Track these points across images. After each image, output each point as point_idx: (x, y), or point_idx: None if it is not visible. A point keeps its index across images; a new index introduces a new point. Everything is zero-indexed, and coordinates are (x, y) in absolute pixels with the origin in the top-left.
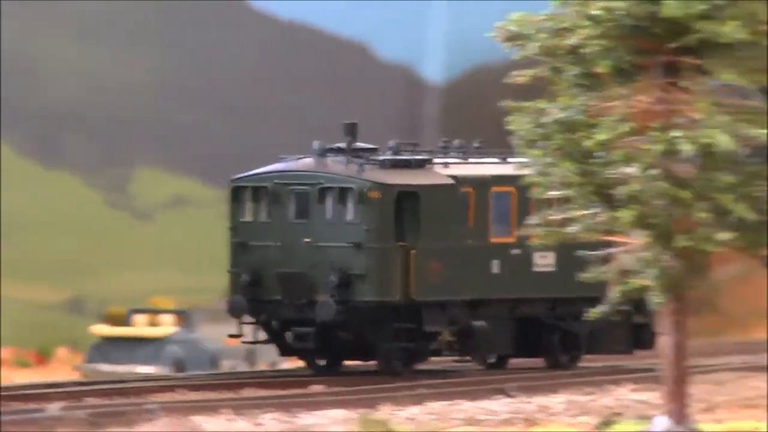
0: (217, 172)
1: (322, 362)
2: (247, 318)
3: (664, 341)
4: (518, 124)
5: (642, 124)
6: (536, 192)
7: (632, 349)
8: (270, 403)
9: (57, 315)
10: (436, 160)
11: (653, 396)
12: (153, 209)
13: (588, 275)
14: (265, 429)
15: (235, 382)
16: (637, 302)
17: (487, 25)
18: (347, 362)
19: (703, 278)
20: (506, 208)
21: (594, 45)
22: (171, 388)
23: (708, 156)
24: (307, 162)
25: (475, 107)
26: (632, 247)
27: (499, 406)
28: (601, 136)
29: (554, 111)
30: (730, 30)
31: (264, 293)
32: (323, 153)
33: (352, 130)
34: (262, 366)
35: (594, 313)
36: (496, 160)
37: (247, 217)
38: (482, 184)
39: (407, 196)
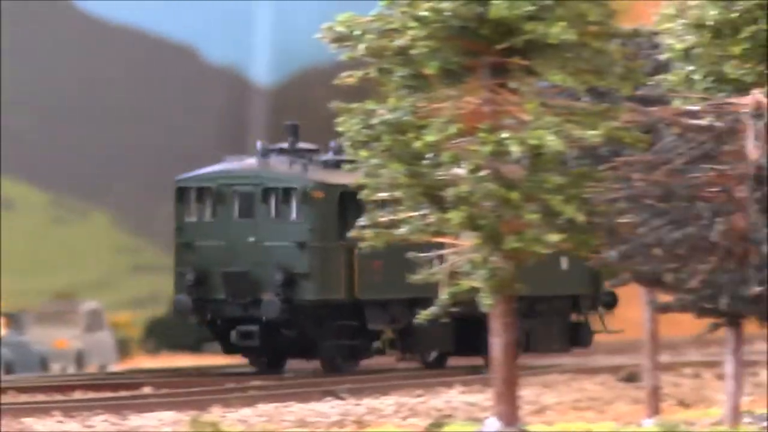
0: (44, 176)
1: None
2: (192, 317)
3: (493, 343)
4: (347, 125)
5: (470, 126)
6: (365, 194)
7: (569, 347)
8: (100, 405)
9: None
10: None
11: (483, 398)
12: None
13: (417, 277)
14: (95, 431)
15: (65, 384)
16: (574, 301)
17: (313, 27)
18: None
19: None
20: None
21: (422, 46)
22: (1, 391)
23: (537, 157)
24: (251, 162)
25: (303, 109)
26: (462, 248)
27: (329, 408)
28: (430, 137)
29: (383, 112)
30: (558, 31)
31: (209, 292)
32: (266, 153)
33: (293, 131)
34: (91, 368)
35: (424, 315)
36: None
37: (192, 218)
38: None
39: (350, 196)
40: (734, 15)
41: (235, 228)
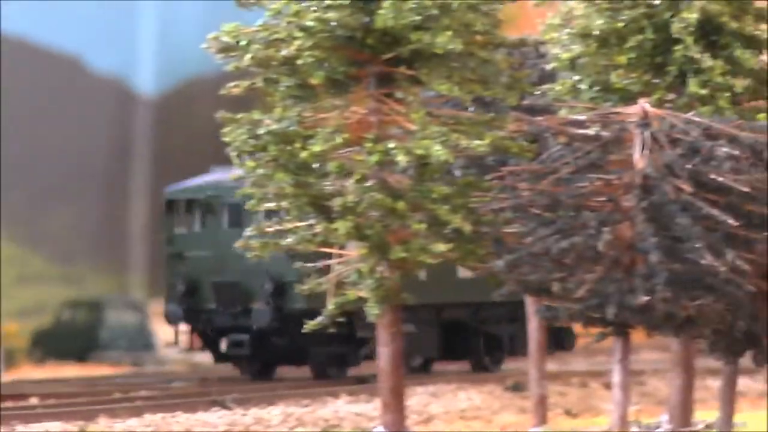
0: None
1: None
2: (183, 326)
3: (380, 352)
4: (233, 135)
5: (357, 135)
6: (251, 204)
7: (553, 350)
8: None
9: None
10: None
11: (370, 407)
12: None
13: (305, 287)
14: None
15: None
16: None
17: (198, 37)
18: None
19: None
20: None
21: (308, 56)
22: None
23: (423, 167)
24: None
25: (189, 119)
26: (349, 258)
27: (216, 418)
28: (316, 147)
29: (269, 122)
30: (444, 41)
31: (199, 302)
32: None
33: None
34: None
35: (312, 324)
36: None
37: (182, 229)
38: None
39: None
40: (620, 25)
41: (225, 238)
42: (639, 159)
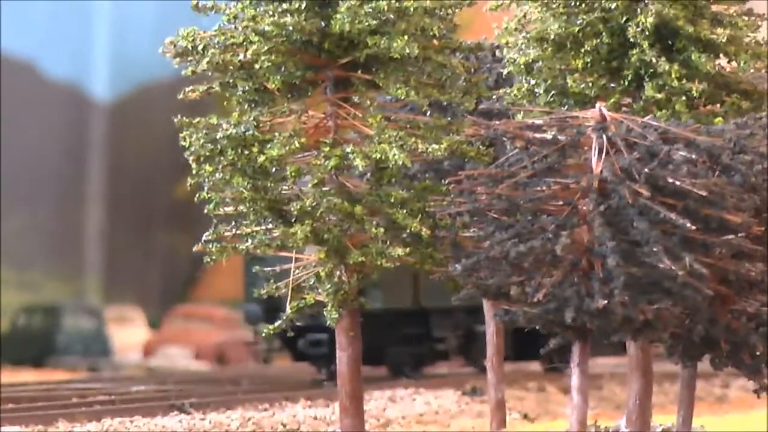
0: None
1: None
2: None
3: (339, 357)
4: (190, 139)
5: (314, 140)
6: (209, 209)
7: None
8: None
9: None
10: None
11: (328, 411)
12: None
13: (262, 291)
14: None
15: None
16: None
17: (152, 41)
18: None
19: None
20: None
21: (264, 60)
22: None
23: (380, 171)
24: None
25: (144, 124)
26: (307, 262)
27: (175, 422)
28: (274, 151)
29: (226, 127)
30: (401, 45)
31: (279, 301)
32: None
33: None
34: None
35: (270, 329)
36: None
37: None
38: None
39: None
40: (576, 29)
41: None
42: (596, 163)
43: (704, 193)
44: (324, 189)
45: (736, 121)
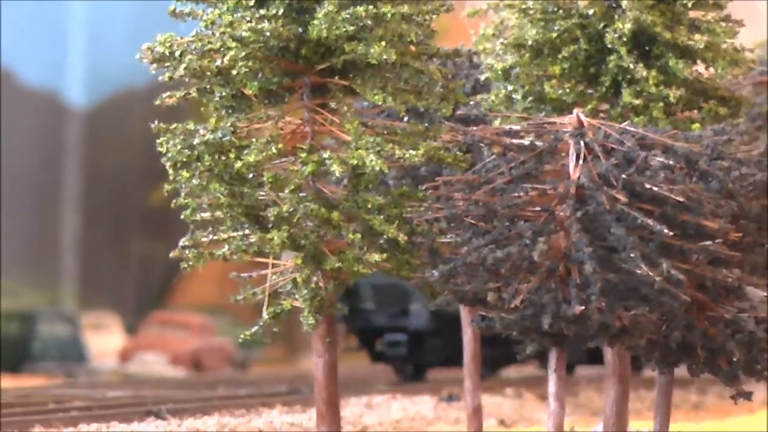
0: None
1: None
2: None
3: (316, 363)
4: (167, 145)
5: (291, 146)
6: (186, 215)
7: None
8: None
9: None
10: None
11: (305, 417)
12: None
13: (239, 297)
14: None
15: None
16: None
17: (128, 48)
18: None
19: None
20: None
21: (241, 66)
22: None
23: (357, 177)
24: None
25: (120, 130)
26: (283, 268)
27: (151, 428)
28: (251, 157)
29: (204, 132)
30: (378, 51)
31: (357, 302)
32: None
33: None
34: None
35: (245, 335)
36: None
37: None
38: None
39: None
40: (553, 35)
41: None
42: (573, 169)
43: (681, 200)
44: (301, 195)
45: (713, 127)
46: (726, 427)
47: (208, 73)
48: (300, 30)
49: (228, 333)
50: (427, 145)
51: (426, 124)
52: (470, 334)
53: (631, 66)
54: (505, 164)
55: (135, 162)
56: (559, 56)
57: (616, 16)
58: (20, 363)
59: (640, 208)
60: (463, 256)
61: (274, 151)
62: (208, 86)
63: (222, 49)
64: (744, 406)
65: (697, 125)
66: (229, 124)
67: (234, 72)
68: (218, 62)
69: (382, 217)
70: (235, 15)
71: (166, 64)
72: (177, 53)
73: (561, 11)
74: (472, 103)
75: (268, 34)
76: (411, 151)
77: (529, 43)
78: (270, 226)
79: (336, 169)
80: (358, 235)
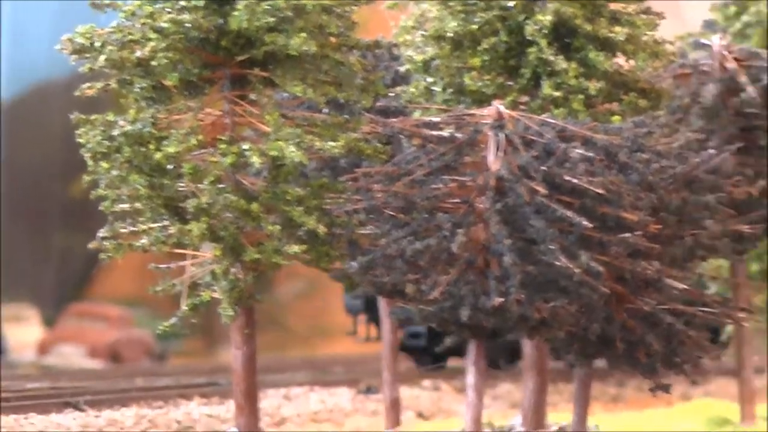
0: None
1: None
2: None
3: (234, 355)
4: (87, 137)
5: (211, 137)
6: (105, 205)
7: None
8: None
9: None
10: None
11: (223, 409)
12: None
13: (158, 288)
14: None
15: None
16: None
17: (48, 39)
18: None
19: (269, 292)
20: None
21: (162, 58)
22: None
23: (277, 169)
24: None
25: (40, 123)
26: (203, 260)
27: (69, 419)
28: (170, 148)
29: (123, 124)
30: (298, 42)
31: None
32: None
33: None
34: None
35: (163, 326)
36: None
37: None
38: None
39: None
40: (474, 27)
41: None
42: (493, 161)
43: (601, 192)
44: (220, 186)
45: (633, 119)
46: (644, 419)
47: (128, 64)
48: (220, 21)
49: (146, 325)
50: (347, 137)
51: (346, 116)
52: (389, 326)
53: (552, 58)
54: (425, 156)
55: (55, 154)
56: (480, 48)
57: (536, 9)
58: None
59: (559, 200)
60: (383, 248)
61: (194, 142)
62: (128, 77)
63: (142, 40)
64: (662, 399)
65: (617, 117)
66: (149, 115)
67: (154, 63)
68: (138, 53)
69: (301, 208)
70: (155, 6)
71: (87, 55)
72: (97, 44)
73: (481, 3)
74: (392, 94)
75: (188, 25)
76: (331, 143)
77: (450, 35)
78: (189, 217)
79: (256, 160)
80: (278, 227)
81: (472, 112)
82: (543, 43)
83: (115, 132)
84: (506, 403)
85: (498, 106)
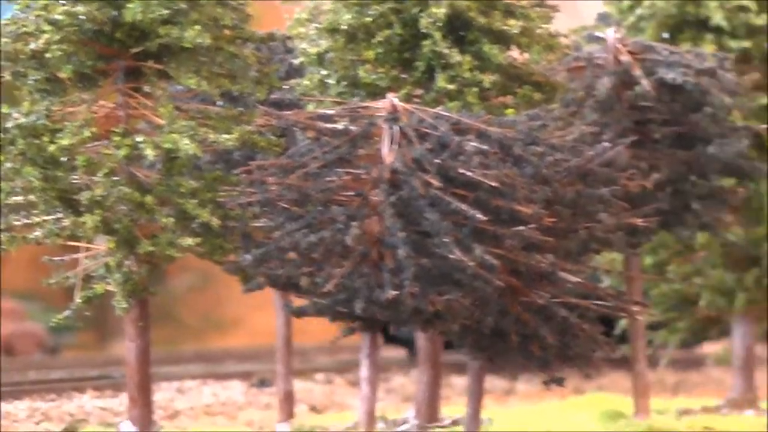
0: None
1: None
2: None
3: (128, 347)
4: None
5: (105, 129)
6: None
7: None
8: None
9: None
10: None
11: (116, 402)
12: None
13: (51, 281)
14: None
15: None
16: None
17: None
18: None
19: (162, 285)
20: None
21: (56, 50)
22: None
23: (171, 161)
24: None
25: None
26: (96, 252)
27: None
28: (64, 141)
29: (17, 116)
30: (192, 35)
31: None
32: None
33: None
34: None
35: (57, 318)
36: None
37: None
38: None
39: None
40: (368, 20)
41: None
42: (387, 154)
43: (495, 185)
44: (114, 179)
45: (527, 112)
46: (537, 413)
47: (23, 57)
48: (115, 13)
49: (39, 318)
50: (241, 130)
51: (240, 109)
52: (282, 319)
53: (446, 51)
54: (319, 149)
55: None
56: (374, 41)
57: (431, 1)
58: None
59: (454, 193)
60: (276, 241)
61: (88, 134)
62: (22, 69)
63: (36, 32)
64: (555, 392)
65: (511, 110)
66: (42, 107)
67: (48, 55)
68: (32, 45)
69: (195, 201)
70: None
71: None
72: None
73: None
74: (286, 87)
75: (82, 17)
76: (225, 135)
77: (344, 27)
78: (83, 209)
79: (149, 153)
80: (171, 219)
81: (366, 104)
82: (437, 35)
83: (9, 124)
84: (400, 396)
85: (392, 98)
